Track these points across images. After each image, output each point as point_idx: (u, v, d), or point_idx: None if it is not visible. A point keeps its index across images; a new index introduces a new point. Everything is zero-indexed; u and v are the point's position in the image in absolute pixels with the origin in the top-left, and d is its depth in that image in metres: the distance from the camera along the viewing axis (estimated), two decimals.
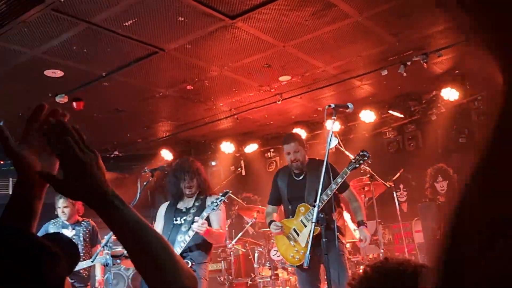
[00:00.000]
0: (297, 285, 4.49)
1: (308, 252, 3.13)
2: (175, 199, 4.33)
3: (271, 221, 4.37)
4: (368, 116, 6.77)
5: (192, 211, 4.17)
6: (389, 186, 5.67)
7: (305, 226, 4.14)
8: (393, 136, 7.32)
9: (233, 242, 6.45)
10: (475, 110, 6.50)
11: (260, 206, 6.66)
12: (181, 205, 4.31)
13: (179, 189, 4.27)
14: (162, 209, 4.42)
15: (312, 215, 3.83)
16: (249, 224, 6.83)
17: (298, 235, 4.20)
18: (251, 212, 6.56)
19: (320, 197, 3.40)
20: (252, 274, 6.43)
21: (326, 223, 3.64)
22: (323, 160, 3.78)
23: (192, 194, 4.26)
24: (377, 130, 7.34)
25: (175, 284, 0.98)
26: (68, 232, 4.95)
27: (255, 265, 6.19)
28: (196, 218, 4.00)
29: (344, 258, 4.08)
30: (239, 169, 7.94)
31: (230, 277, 6.41)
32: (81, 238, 4.98)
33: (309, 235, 3.23)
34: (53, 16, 3.71)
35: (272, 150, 8.28)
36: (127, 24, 4.02)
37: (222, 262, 6.49)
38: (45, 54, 4.42)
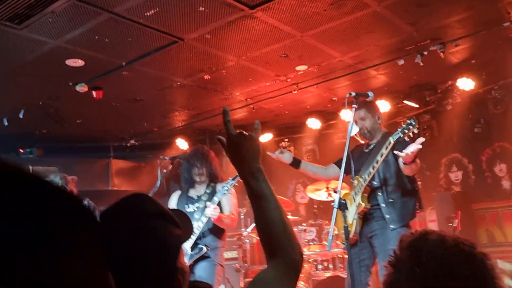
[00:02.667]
0: (346, 266, 4.22)
1: (330, 235, 3.15)
2: (187, 187, 4.42)
3: (297, 160, 4.18)
4: (383, 106, 6.77)
5: (203, 198, 4.27)
6: None
7: (354, 201, 3.86)
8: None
9: (249, 230, 6.55)
10: (491, 100, 6.50)
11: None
12: (192, 193, 4.41)
13: (190, 176, 4.36)
14: (174, 197, 4.53)
15: (361, 189, 3.75)
16: None
17: (347, 210, 3.77)
18: None
19: (366, 171, 3.28)
20: None
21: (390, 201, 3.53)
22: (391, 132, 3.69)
23: (203, 182, 4.36)
24: (392, 120, 7.35)
25: (287, 255, 1.19)
26: None
27: None
28: (207, 203, 4.08)
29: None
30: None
31: (245, 264, 6.51)
32: None
33: (332, 219, 3.20)
34: (77, 6, 3.78)
35: (286, 139, 8.33)
36: (148, 14, 4.08)
37: (238, 249, 6.58)
38: (67, 44, 4.50)
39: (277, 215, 1.24)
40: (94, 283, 0.51)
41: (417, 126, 3.54)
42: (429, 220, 6.87)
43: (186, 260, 4.14)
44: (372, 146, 4.01)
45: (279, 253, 1.21)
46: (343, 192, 3.85)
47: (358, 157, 3.96)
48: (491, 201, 6.68)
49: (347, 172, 3.83)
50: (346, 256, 4.83)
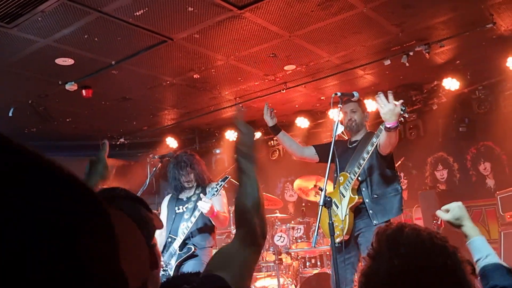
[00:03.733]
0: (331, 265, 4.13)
1: (315, 233, 3.21)
2: (177, 193, 4.51)
3: (278, 127, 4.40)
4: (369, 105, 6.87)
5: (193, 199, 4.33)
6: None
7: (344, 196, 3.84)
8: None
9: None
10: (475, 100, 6.62)
11: (264, 193, 6.79)
12: (182, 195, 4.49)
13: (179, 182, 4.43)
14: (165, 201, 4.62)
15: (351, 184, 3.75)
16: None
17: (337, 207, 3.86)
18: None
19: (354, 166, 3.32)
20: None
21: (374, 196, 3.57)
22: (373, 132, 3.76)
23: (191, 187, 4.44)
24: (379, 119, 7.40)
25: (251, 228, 1.29)
26: None
27: None
28: (201, 195, 4.16)
29: None
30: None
31: None
32: None
33: (320, 209, 3.22)
34: (67, 6, 3.81)
35: (275, 138, 8.39)
36: (137, 13, 4.12)
37: None
38: (57, 43, 4.52)
39: (253, 191, 1.34)
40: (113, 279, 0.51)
41: (407, 111, 3.51)
42: (415, 217, 6.98)
43: (174, 260, 4.20)
44: (355, 143, 4.05)
45: (243, 224, 1.31)
46: (329, 189, 3.91)
47: (342, 152, 3.97)
48: (475, 199, 6.81)
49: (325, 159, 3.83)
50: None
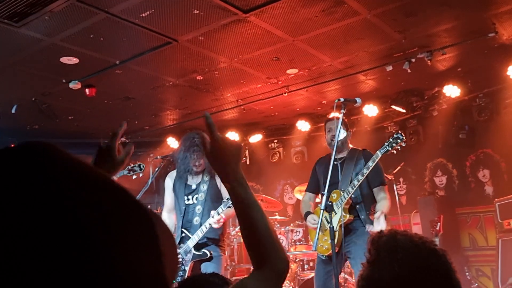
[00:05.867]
0: (314, 275, 4.36)
1: (316, 236, 3.27)
2: (185, 175, 4.39)
3: (308, 213, 4.23)
4: (371, 110, 6.93)
5: (201, 187, 4.29)
6: (390, 178, 5.85)
7: (335, 214, 3.90)
8: (395, 130, 7.48)
9: (237, 229, 6.64)
10: (476, 107, 6.67)
11: (264, 195, 6.84)
12: (190, 181, 4.39)
13: (188, 166, 4.32)
14: (170, 181, 4.51)
15: (343, 202, 3.88)
16: None
17: (328, 223, 3.91)
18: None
19: (350, 184, 3.44)
20: None
21: (357, 213, 3.65)
22: (363, 150, 3.86)
23: (199, 172, 4.36)
24: (379, 124, 7.51)
25: (273, 264, 1.19)
26: None
27: None
28: (212, 212, 4.11)
29: None
30: (244, 158, 8.11)
31: (233, 263, 6.61)
32: None
33: (319, 220, 3.32)
34: (75, 6, 3.85)
35: (276, 141, 8.45)
36: (144, 15, 4.16)
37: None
38: (63, 42, 4.55)
39: (264, 224, 1.23)
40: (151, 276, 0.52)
41: (404, 140, 3.71)
42: (413, 223, 7.03)
43: (189, 257, 4.19)
44: (341, 160, 4.15)
45: (265, 262, 1.21)
46: (318, 209, 4.03)
47: (326, 170, 4.06)
48: (473, 205, 6.85)
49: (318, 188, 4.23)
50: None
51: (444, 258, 1.34)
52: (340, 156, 4.21)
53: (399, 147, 3.69)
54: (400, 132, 3.73)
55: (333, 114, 3.99)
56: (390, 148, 3.73)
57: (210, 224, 4.06)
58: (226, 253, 4.55)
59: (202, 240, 4.18)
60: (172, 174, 4.52)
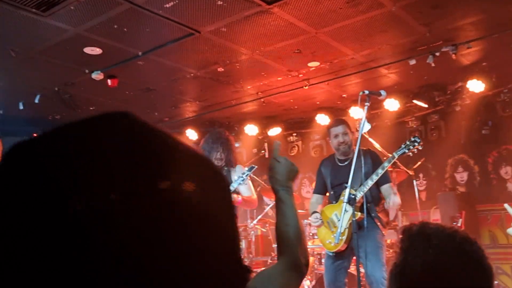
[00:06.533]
0: (324, 270, 4.46)
1: (338, 231, 3.26)
2: None
3: (313, 212, 4.40)
4: (392, 104, 6.86)
5: None
6: (411, 173, 5.79)
7: (347, 211, 3.95)
8: (416, 125, 7.41)
9: (254, 222, 6.66)
10: (500, 103, 6.56)
11: None
12: None
13: (211, 156, 4.45)
14: None
15: (356, 201, 3.92)
16: (270, 206, 7.07)
17: (338, 220, 4.08)
18: (272, 193, 6.74)
19: (364, 182, 3.52)
20: (272, 253, 6.64)
21: (368, 211, 3.72)
22: (369, 150, 3.91)
23: (220, 166, 4.46)
24: (400, 118, 7.43)
25: (294, 256, 1.36)
26: None
27: (274, 245, 6.39)
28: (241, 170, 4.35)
29: (382, 251, 3.99)
30: (263, 151, 8.11)
31: (250, 255, 6.62)
32: None
33: (341, 215, 3.33)
34: None
35: (294, 134, 8.43)
36: (167, 6, 4.16)
37: (243, 240, 6.69)
38: (87, 32, 4.59)
39: (294, 222, 1.43)
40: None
41: (421, 143, 3.87)
42: (433, 219, 6.95)
43: None
44: (348, 161, 4.26)
45: (287, 252, 1.36)
46: (327, 207, 4.34)
47: (333, 171, 4.33)
48: (495, 203, 6.75)
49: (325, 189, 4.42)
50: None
51: (477, 245, 1.36)
52: (346, 157, 4.37)
53: (415, 149, 3.84)
54: (417, 136, 3.91)
55: (355, 108, 4.02)
56: (406, 151, 3.88)
57: None
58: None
59: None
60: None
